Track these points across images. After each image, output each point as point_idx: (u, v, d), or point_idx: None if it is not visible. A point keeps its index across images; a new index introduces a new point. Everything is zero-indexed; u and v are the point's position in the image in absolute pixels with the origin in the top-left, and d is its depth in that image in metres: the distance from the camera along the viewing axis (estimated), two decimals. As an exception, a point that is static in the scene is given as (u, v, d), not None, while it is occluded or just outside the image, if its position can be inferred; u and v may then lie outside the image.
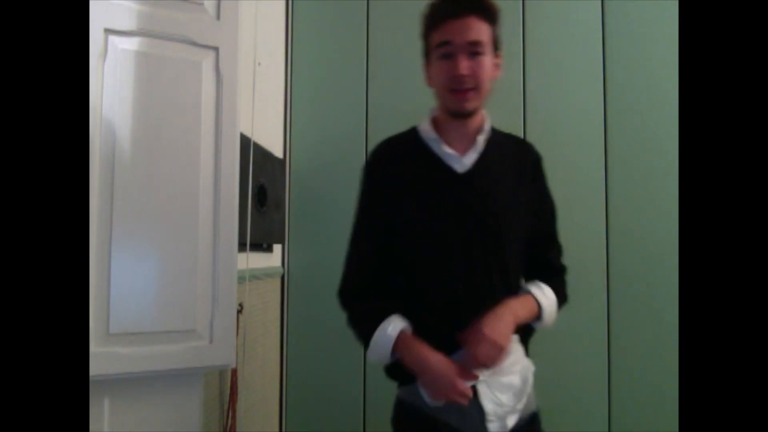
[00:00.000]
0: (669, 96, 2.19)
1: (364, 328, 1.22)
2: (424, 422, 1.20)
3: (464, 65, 1.17)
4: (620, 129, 2.26)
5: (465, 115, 1.23)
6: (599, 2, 2.29)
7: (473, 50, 1.18)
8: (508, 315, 1.17)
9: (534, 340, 1.35)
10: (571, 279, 2.20)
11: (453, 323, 1.17)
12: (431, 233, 1.22)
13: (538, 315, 1.26)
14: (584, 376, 2.21)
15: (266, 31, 2.19)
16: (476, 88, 1.19)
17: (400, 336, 1.17)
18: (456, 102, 1.21)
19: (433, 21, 1.22)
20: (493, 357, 1.12)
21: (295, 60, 2.45)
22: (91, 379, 1.07)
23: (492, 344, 1.11)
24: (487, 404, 1.18)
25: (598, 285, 2.24)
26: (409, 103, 2.36)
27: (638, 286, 2.21)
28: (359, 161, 2.34)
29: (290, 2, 2.46)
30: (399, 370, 1.21)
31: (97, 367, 1.24)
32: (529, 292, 1.26)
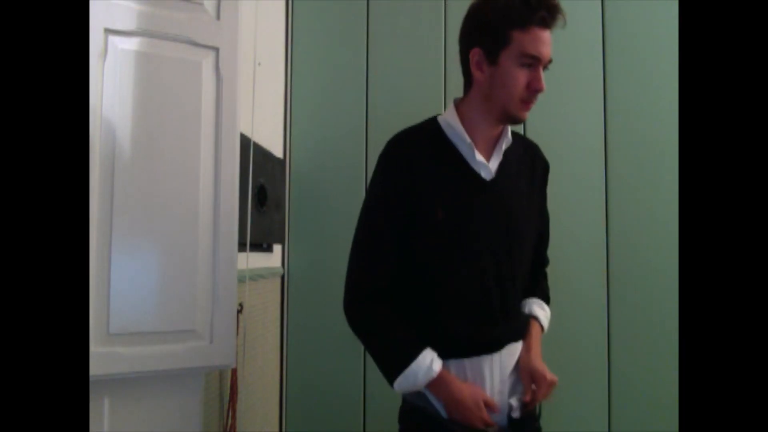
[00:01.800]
0: (669, 97, 2.18)
1: (396, 357, 1.19)
2: (433, 422, 1.21)
3: (543, 80, 1.18)
4: (620, 130, 2.25)
5: (517, 123, 1.25)
6: (599, 2, 2.29)
7: (546, 67, 1.19)
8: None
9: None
10: (571, 281, 2.20)
11: (484, 326, 1.22)
12: (463, 240, 1.21)
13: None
14: (584, 377, 2.21)
15: (266, 31, 2.19)
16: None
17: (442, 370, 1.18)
18: (521, 111, 1.20)
19: (519, 20, 1.14)
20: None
21: (295, 60, 2.45)
22: (91, 379, 1.06)
23: (552, 385, 1.25)
24: (512, 402, 1.23)
25: (598, 287, 2.23)
26: (409, 103, 2.36)
27: (638, 288, 2.21)
28: (359, 161, 2.33)
29: (290, 2, 2.46)
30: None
31: (97, 367, 1.24)
32: (536, 318, 1.33)
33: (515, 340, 1.27)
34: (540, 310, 1.35)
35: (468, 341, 1.21)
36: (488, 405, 1.18)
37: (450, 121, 1.25)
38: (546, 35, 1.17)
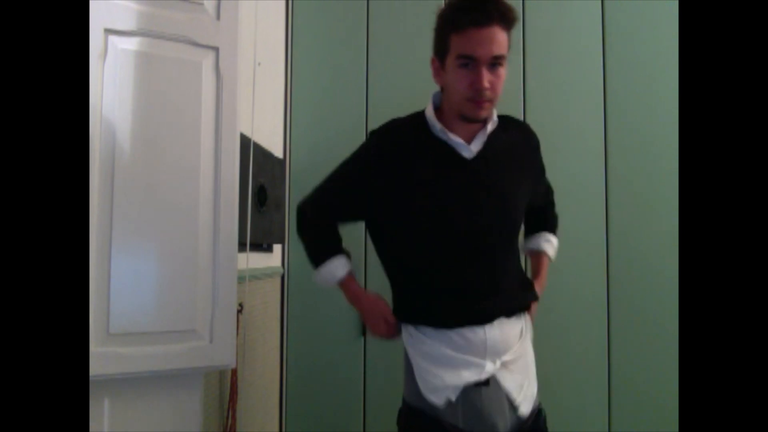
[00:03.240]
0: (669, 96, 2.18)
1: (316, 256, 1.39)
2: (431, 425, 1.22)
3: (487, 79, 1.18)
4: (620, 130, 2.25)
5: (477, 122, 1.26)
6: (599, 2, 2.29)
7: (495, 62, 1.19)
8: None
9: (534, 340, 1.38)
10: (571, 281, 2.20)
11: (474, 300, 1.26)
12: (445, 218, 1.25)
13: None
14: (584, 377, 2.21)
15: (266, 31, 2.19)
16: (493, 99, 1.21)
17: (346, 277, 1.37)
18: (473, 111, 1.22)
19: (455, 24, 1.19)
20: None
21: (295, 60, 2.45)
22: (91, 379, 1.06)
23: None
24: (512, 390, 1.25)
25: (598, 287, 2.23)
26: (409, 102, 2.35)
27: (638, 288, 2.21)
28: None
29: (290, 2, 2.46)
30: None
31: (97, 367, 1.23)
32: (544, 252, 1.51)
33: (507, 315, 1.29)
34: (547, 243, 1.52)
35: (457, 315, 1.24)
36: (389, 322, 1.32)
37: (426, 112, 1.31)
38: (483, 34, 1.17)
